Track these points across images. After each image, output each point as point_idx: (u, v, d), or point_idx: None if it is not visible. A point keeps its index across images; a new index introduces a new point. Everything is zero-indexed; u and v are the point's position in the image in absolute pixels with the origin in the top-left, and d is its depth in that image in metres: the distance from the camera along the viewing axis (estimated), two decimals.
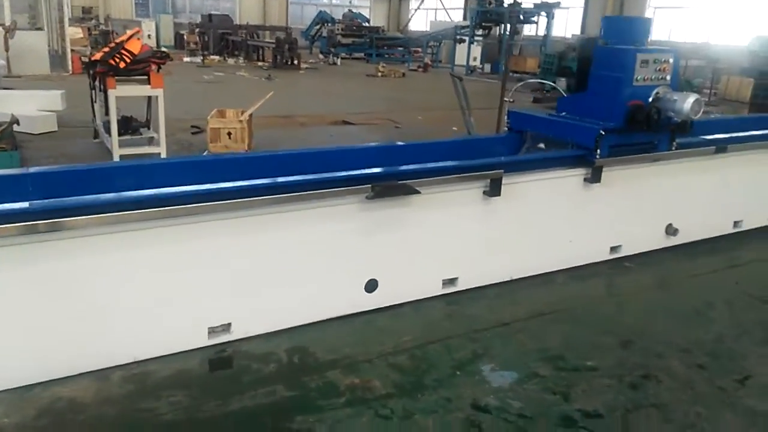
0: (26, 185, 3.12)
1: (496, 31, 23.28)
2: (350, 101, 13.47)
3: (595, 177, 4.06)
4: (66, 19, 15.97)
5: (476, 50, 23.47)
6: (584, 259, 4.34)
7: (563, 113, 4.40)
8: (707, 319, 3.76)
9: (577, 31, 27.46)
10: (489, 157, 4.31)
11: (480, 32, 22.51)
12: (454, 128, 10.30)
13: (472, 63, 22.43)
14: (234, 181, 3.10)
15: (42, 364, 2.77)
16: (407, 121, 10.81)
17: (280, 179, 3.18)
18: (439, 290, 3.79)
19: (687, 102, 3.97)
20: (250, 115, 7.53)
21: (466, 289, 3.88)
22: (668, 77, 4.13)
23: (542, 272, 4.17)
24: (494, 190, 3.68)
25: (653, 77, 4.06)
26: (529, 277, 4.11)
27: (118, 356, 2.94)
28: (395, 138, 9.32)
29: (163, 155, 6.87)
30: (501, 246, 3.95)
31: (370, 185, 3.26)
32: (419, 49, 26.64)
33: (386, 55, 26.26)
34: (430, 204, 3.52)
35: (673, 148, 4.35)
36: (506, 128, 4.72)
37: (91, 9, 28.46)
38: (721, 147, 4.62)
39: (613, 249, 4.47)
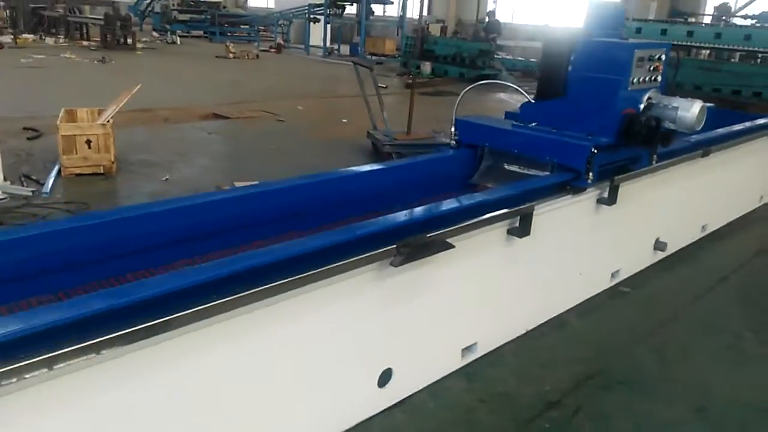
0: None
1: (347, 11, 22.37)
2: (210, 89, 11.85)
3: (611, 198, 3.39)
4: None
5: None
6: (591, 291, 3.70)
7: (533, 123, 3.53)
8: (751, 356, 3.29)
9: (425, 12, 27.54)
10: (447, 182, 3.49)
11: (332, 11, 21.41)
12: (344, 120, 9.33)
13: (324, 44, 21.31)
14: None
15: None
16: (287, 113, 9.58)
17: (290, 250, 2.04)
18: (459, 363, 2.90)
19: (692, 111, 3.23)
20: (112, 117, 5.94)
21: (483, 355, 3.03)
22: (659, 78, 3.46)
23: (553, 315, 3.45)
24: (524, 228, 2.84)
25: (647, 78, 3.34)
26: (540, 324, 3.37)
27: None
28: (283, 134, 8.14)
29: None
30: (518, 294, 3.14)
31: (394, 246, 2.25)
32: (265, 28, 24.96)
33: (229, 33, 24.24)
34: (451, 257, 2.58)
35: (654, 162, 3.70)
36: (452, 141, 3.74)
37: None
38: (706, 150, 4.20)
39: (614, 275, 3.88)
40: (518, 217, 2.81)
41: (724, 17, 14.42)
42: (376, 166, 3.45)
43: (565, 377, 2.95)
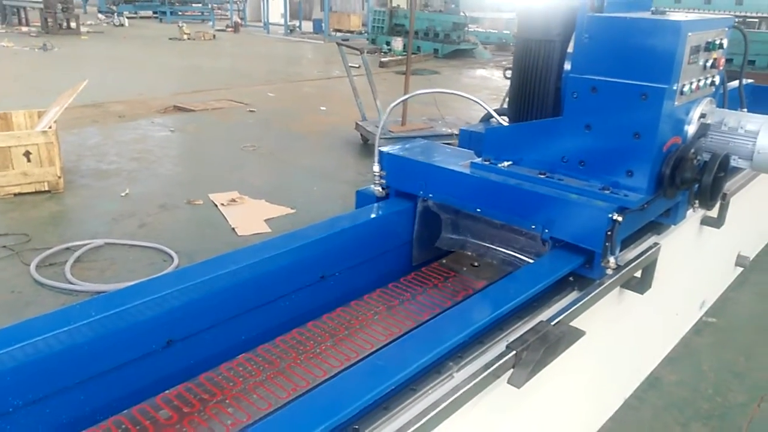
0: None
1: None
2: (167, 76, 10.71)
3: (720, 219, 2.62)
4: None
5: (281, 6, 20.93)
6: (683, 330, 2.97)
7: (506, 163, 2.14)
8: None
9: None
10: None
11: None
12: (323, 108, 8.40)
13: (285, 21, 20.07)
14: None
15: None
16: (257, 101, 8.59)
17: None
18: None
19: None
20: (56, 120, 4.91)
21: None
22: (717, 79, 2.10)
23: (648, 373, 2.70)
24: (646, 281, 2.05)
25: (702, 82, 1.98)
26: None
27: None
28: (257, 128, 7.16)
29: None
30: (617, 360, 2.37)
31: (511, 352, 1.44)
32: (219, 5, 23.50)
33: (181, 13, 22.71)
34: None
35: (692, 209, 2.24)
36: (378, 187, 2.41)
37: None
38: None
39: (702, 305, 3.15)
40: (640, 271, 2.02)
41: None
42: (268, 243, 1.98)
43: None
